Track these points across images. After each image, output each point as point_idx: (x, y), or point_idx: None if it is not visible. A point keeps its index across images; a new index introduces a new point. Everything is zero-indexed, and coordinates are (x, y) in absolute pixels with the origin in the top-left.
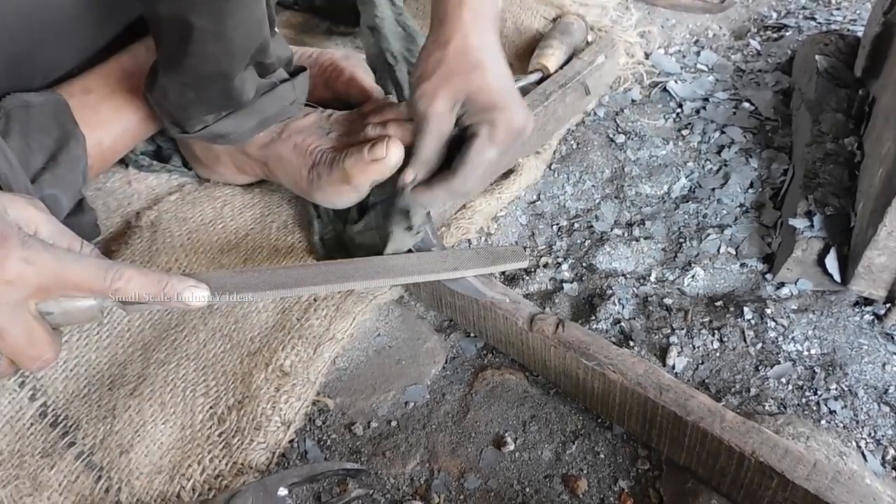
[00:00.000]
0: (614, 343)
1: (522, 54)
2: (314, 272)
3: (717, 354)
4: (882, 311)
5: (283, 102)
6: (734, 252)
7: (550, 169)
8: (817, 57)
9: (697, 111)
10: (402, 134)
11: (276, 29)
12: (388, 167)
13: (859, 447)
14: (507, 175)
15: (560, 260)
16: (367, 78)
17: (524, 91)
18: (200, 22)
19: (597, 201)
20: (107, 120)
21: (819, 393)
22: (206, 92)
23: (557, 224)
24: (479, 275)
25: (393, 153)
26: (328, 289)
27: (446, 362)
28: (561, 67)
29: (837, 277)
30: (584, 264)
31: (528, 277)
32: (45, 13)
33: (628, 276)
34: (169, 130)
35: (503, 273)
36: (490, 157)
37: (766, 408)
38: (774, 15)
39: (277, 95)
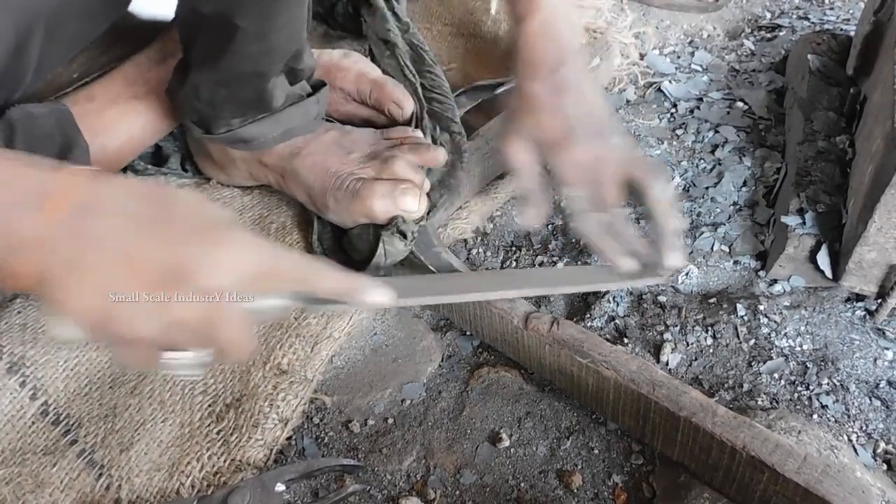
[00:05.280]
0: (609, 340)
1: None
2: (486, 280)
3: (711, 351)
4: (873, 307)
5: (308, 116)
6: (727, 250)
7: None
8: (809, 56)
9: (691, 111)
10: (424, 159)
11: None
12: (413, 216)
13: (850, 441)
14: (502, 175)
15: (556, 259)
16: (373, 71)
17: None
18: (245, 23)
19: None
20: (110, 125)
21: (811, 388)
22: (238, 91)
23: (552, 223)
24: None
25: (423, 207)
26: (499, 295)
27: (442, 360)
28: None
29: (829, 274)
30: (579, 263)
31: None
32: (32, 3)
33: None
34: (190, 131)
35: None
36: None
37: (759, 403)
38: (768, 15)
39: (303, 108)
